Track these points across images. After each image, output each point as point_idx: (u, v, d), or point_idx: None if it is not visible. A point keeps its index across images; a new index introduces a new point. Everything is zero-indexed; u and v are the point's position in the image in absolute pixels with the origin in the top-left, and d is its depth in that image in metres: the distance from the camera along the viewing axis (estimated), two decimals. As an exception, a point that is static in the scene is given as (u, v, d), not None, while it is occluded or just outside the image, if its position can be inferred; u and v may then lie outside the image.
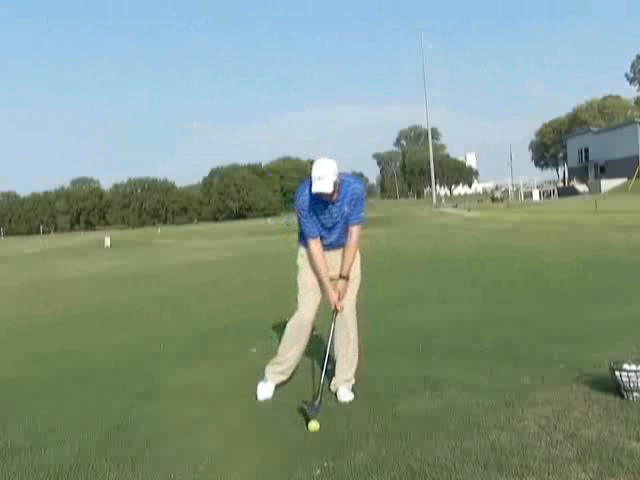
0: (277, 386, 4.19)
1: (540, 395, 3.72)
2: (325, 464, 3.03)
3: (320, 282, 4.04)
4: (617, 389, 3.57)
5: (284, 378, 4.20)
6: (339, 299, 4.01)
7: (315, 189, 3.77)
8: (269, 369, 4.19)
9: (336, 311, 4.03)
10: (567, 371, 4.13)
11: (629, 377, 3.48)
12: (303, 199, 3.92)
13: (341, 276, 4.03)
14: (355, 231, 4.01)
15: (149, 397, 4.38)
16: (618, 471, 2.71)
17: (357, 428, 3.45)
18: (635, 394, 3.48)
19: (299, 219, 4.03)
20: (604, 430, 3.13)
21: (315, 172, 3.76)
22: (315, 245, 3.99)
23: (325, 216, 3.95)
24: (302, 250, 4.13)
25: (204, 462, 3.17)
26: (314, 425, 3.48)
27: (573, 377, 3.96)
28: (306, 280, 4.10)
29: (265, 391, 4.12)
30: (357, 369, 4.15)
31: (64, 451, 3.45)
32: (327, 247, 4.06)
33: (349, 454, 3.12)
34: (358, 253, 4.20)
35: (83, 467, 3.21)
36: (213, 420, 3.80)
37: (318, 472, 2.96)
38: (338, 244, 4.07)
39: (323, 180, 3.74)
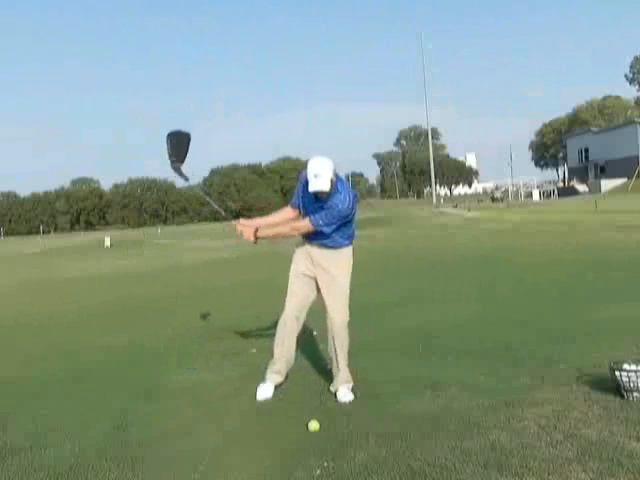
0: (277, 386, 4.19)
1: (540, 395, 3.72)
2: (325, 464, 3.03)
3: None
4: (617, 389, 3.57)
5: (281, 379, 4.20)
6: (244, 229, 4.10)
7: (312, 188, 3.76)
8: (268, 369, 4.20)
9: (235, 225, 4.16)
10: (567, 371, 4.13)
11: (629, 377, 3.48)
12: (305, 176, 3.92)
13: (255, 229, 4.10)
14: (304, 222, 3.98)
15: (149, 397, 4.38)
16: (618, 471, 2.71)
17: (357, 428, 3.45)
18: (635, 394, 3.49)
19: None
20: (604, 430, 3.13)
21: (311, 170, 3.75)
22: (286, 210, 4.23)
23: (313, 206, 3.97)
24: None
25: (204, 462, 3.17)
26: (314, 425, 3.48)
27: (573, 377, 3.96)
28: (291, 275, 4.18)
29: (264, 391, 4.12)
30: (357, 369, 4.15)
31: (64, 451, 3.45)
32: (310, 240, 4.09)
33: (349, 454, 3.12)
34: (351, 256, 4.15)
35: (83, 467, 3.21)
36: (213, 420, 3.80)
37: (318, 472, 2.97)
38: (320, 239, 4.03)
39: (319, 178, 3.73)
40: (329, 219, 3.87)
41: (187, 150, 4.42)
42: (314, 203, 3.95)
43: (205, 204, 78.54)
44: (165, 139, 4.37)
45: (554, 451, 2.96)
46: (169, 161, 4.34)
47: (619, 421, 3.23)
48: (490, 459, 2.92)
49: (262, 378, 4.20)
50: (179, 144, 4.40)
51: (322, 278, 4.06)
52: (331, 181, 3.77)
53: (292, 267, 4.19)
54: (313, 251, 4.08)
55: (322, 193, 3.81)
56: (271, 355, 4.21)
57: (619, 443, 2.97)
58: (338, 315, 4.03)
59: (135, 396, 4.42)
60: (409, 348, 5.18)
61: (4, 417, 4.13)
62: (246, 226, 4.10)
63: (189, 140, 4.45)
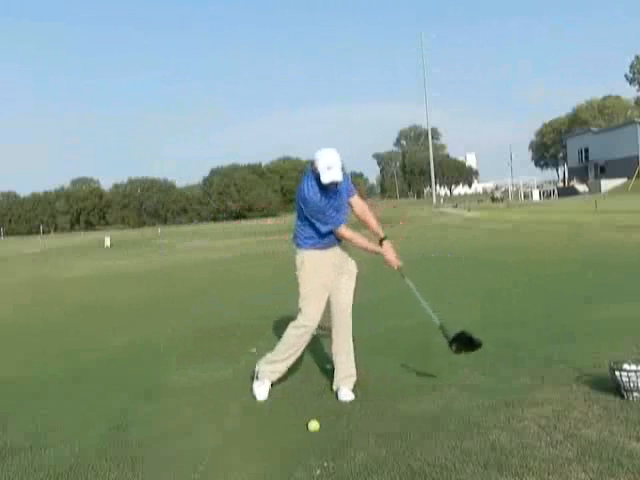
0: (276, 386, 4.19)
1: (540, 395, 3.72)
2: (325, 464, 3.03)
3: (374, 251, 4.06)
4: (617, 389, 3.57)
5: (279, 375, 4.20)
6: (392, 253, 4.06)
7: (328, 179, 3.76)
8: (265, 368, 4.16)
9: (399, 268, 4.09)
10: (567, 371, 4.13)
11: (629, 377, 3.48)
12: (315, 197, 3.86)
13: (383, 239, 4.07)
14: (362, 201, 4.15)
15: (149, 397, 4.39)
16: (618, 471, 2.71)
17: (357, 428, 3.46)
18: (635, 394, 3.48)
19: (318, 218, 3.90)
20: (604, 430, 3.13)
21: (323, 163, 3.75)
22: (347, 229, 3.99)
23: (338, 202, 3.95)
24: (304, 252, 4.06)
25: (204, 462, 3.18)
26: (314, 425, 3.48)
27: (573, 377, 3.96)
28: (312, 283, 4.01)
29: (263, 391, 4.12)
30: (357, 369, 4.16)
31: (64, 451, 3.45)
32: (335, 243, 4.06)
33: (349, 454, 3.12)
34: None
35: (83, 467, 3.22)
36: (213, 420, 3.80)
37: (318, 472, 2.97)
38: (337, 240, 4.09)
39: (332, 169, 3.75)
40: (349, 179, 4.11)
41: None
42: (335, 196, 3.93)
43: (206, 203, 78.61)
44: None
45: (554, 451, 2.96)
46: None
47: (619, 421, 3.23)
48: (490, 459, 2.92)
49: (257, 377, 4.18)
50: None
51: (345, 275, 4.10)
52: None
53: (307, 279, 4.03)
54: (340, 252, 4.10)
55: (334, 183, 3.82)
56: (272, 354, 4.17)
57: (619, 443, 2.97)
58: (350, 310, 4.12)
59: (135, 396, 4.42)
60: (409, 348, 5.18)
61: (4, 417, 4.14)
62: (388, 253, 4.06)
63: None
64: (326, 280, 4.03)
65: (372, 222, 4.11)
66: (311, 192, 3.87)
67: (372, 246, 4.03)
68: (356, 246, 4.01)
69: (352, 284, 4.15)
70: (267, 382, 4.15)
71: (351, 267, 4.17)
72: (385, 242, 4.06)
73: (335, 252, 4.08)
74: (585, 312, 6.10)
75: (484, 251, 13.58)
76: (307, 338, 4.10)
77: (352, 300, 4.15)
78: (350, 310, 4.13)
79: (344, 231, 3.96)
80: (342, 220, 3.97)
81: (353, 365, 4.12)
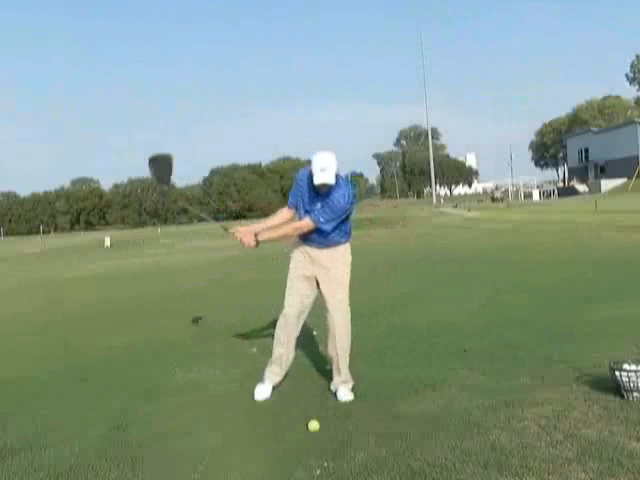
0: (276, 386, 4.19)
1: (540, 395, 3.72)
2: (325, 464, 3.03)
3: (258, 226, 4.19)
4: (617, 389, 3.57)
5: (279, 379, 4.21)
6: (243, 236, 4.05)
7: (318, 180, 3.78)
8: (266, 369, 4.21)
9: (232, 234, 4.14)
10: (567, 371, 4.13)
11: (629, 377, 3.48)
12: (304, 173, 3.99)
13: (255, 234, 4.07)
14: (304, 220, 3.97)
15: (149, 397, 4.39)
16: (618, 471, 2.71)
17: (357, 428, 3.46)
18: (635, 394, 3.49)
19: (291, 193, 4.18)
20: (604, 430, 3.13)
21: (317, 164, 3.77)
22: (283, 211, 4.20)
23: (314, 204, 3.96)
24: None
25: (204, 462, 3.18)
26: (314, 425, 3.48)
27: (573, 377, 3.97)
28: (291, 275, 4.14)
29: (263, 392, 4.12)
30: (357, 369, 4.16)
31: (64, 451, 3.45)
32: (308, 241, 4.06)
33: (349, 454, 3.12)
34: (349, 253, 4.15)
35: (83, 467, 3.22)
36: (213, 420, 3.80)
37: (318, 472, 2.97)
38: (318, 239, 4.02)
39: (326, 172, 3.76)
40: (329, 215, 3.89)
41: (171, 171, 4.52)
42: (314, 200, 3.95)
43: (206, 203, 78.61)
44: (148, 164, 4.47)
45: (554, 451, 2.96)
46: (157, 185, 4.43)
47: (619, 421, 3.23)
48: (490, 459, 2.92)
49: (260, 378, 4.21)
50: (163, 167, 4.48)
51: (322, 277, 4.05)
52: (335, 176, 3.81)
53: (291, 267, 4.17)
54: (312, 251, 4.08)
55: (326, 186, 3.82)
56: (271, 355, 4.22)
57: (619, 443, 2.97)
58: (339, 315, 4.04)
59: (135, 396, 4.42)
60: (409, 348, 5.18)
61: (4, 417, 4.14)
62: (245, 232, 4.08)
63: (171, 161, 4.53)
64: (295, 273, 4.10)
65: (279, 227, 4.17)
66: (306, 176, 3.98)
67: (263, 225, 4.22)
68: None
69: (335, 285, 4.04)
70: (268, 383, 4.16)
71: (332, 268, 4.06)
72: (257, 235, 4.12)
73: (311, 251, 4.06)
74: (585, 312, 6.11)
75: (484, 251, 13.59)
76: (284, 329, 4.09)
77: (341, 303, 4.04)
78: (339, 314, 4.03)
79: (282, 209, 4.22)
80: (291, 204, 4.14)
81: (347, 371, 4.07)
